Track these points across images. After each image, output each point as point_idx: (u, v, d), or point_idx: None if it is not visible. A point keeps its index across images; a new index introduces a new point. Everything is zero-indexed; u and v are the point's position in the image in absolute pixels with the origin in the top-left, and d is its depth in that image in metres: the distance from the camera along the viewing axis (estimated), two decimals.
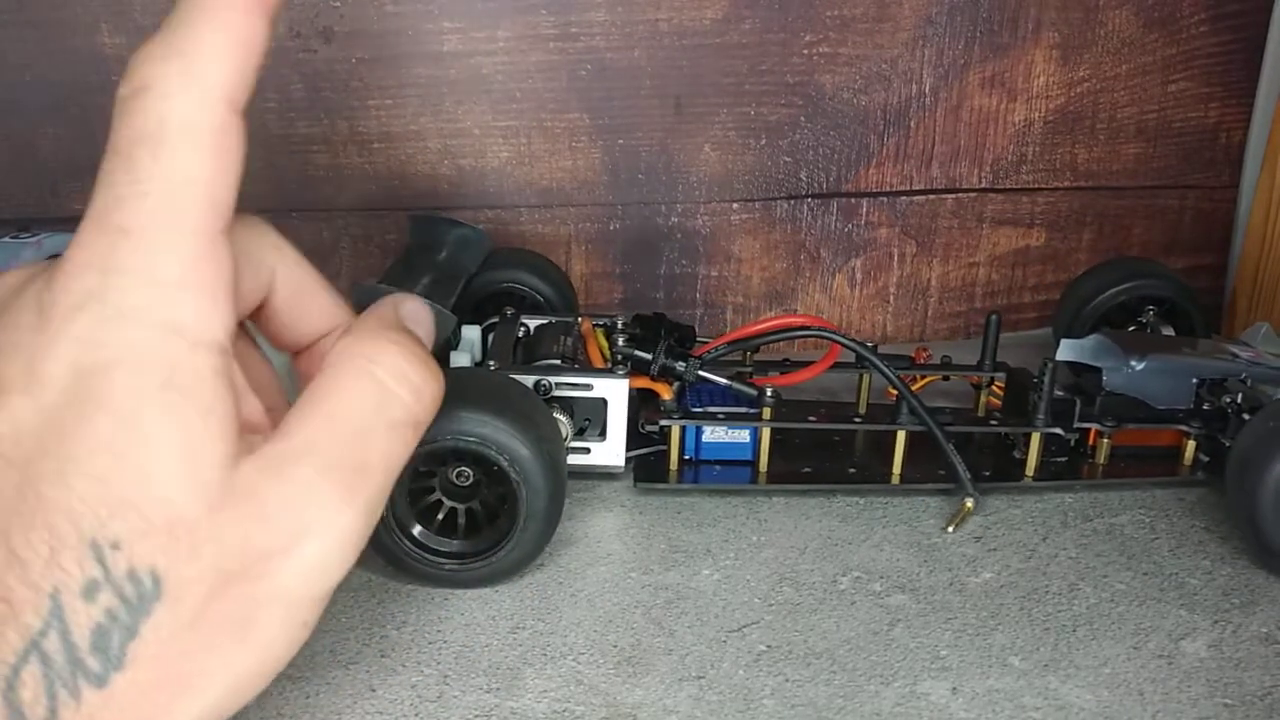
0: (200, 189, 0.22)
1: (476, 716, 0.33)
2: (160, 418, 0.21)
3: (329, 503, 0.23)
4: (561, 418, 0.43)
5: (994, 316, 0.50)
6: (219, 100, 0.22)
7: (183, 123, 0.22)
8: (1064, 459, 0.48)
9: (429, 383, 0.26)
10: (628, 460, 0.46)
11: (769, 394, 0.45)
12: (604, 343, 0.49)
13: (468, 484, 0.38)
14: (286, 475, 0.23)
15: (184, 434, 0.22)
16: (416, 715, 0.33)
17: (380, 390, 0.25)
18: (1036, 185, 0.65)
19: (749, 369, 0.51)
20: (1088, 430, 0.47)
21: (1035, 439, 0.46)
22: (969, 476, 0.44)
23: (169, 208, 0.22)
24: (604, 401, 0.44)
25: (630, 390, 0.45)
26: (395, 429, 0.25)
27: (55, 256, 0.59)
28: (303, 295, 0.28)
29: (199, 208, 0.22)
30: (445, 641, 0.36)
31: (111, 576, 0.21)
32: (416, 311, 0.28)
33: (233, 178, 0.23)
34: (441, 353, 0.47)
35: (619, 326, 0.49)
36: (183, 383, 0.22)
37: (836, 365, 0.49)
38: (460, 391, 0.36)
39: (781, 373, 0.51)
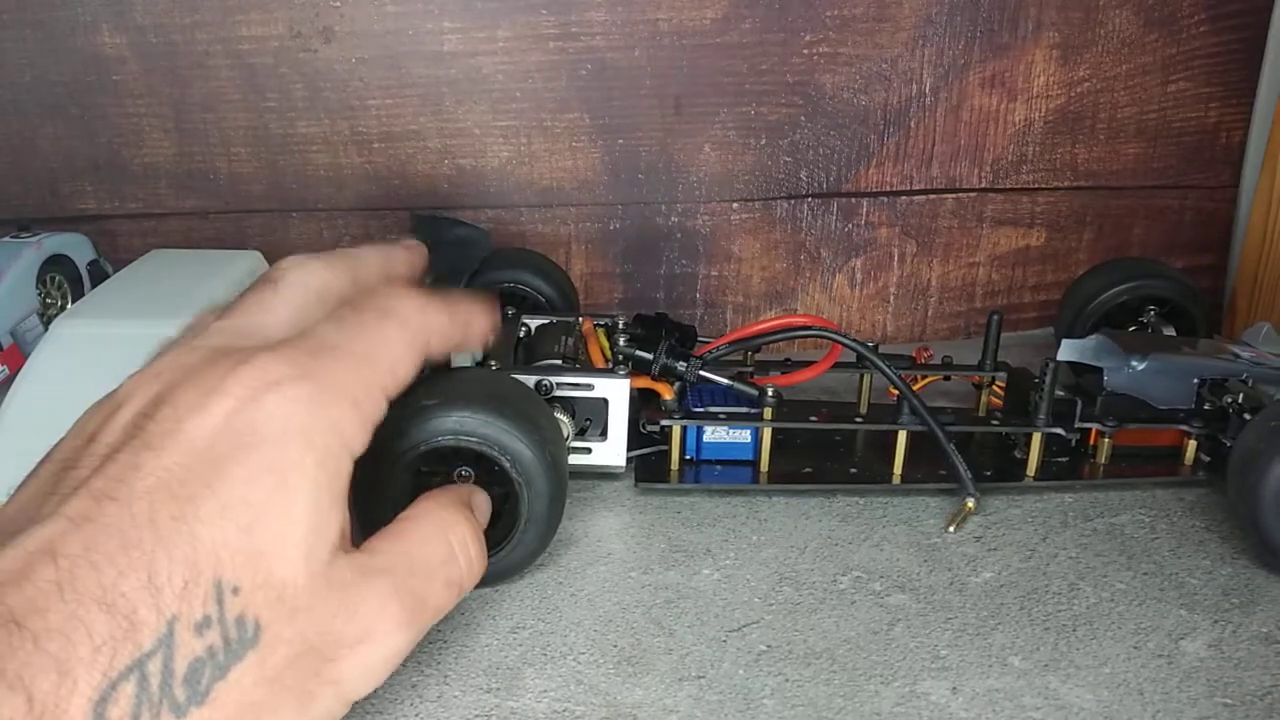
0: (398, 358, 0.30)
1: (476, 716, 0.33)
2: (308, 492, 0.26)
3: (394, 619, 0.27)
4: (563, 418, 0.43)
5: (995, 316, 0.50)
6: (439, 330, 0.32)
7: (415, 321, 0.31)
8: (1065, 459, 0.48)
9: (480, 560, 0.32)
10: (629, 460, 0.46)
11: (770, 394, 0.45)
12: (605, 343, 0.49)
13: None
14: (372, 583, 0.27)
15: (318, 513, 0.26)
16: (416, 715, 0.33)
17: (449, 552, 0.30)
18: (1037, 185, 0.65)
19: (750, 369, 0.51)
20: (1089, 430, 0.47)
21: (1036, 439, 0.46)
22: (970, 476, 0.44)
23: (375, 352, 0.29)
24: (605, 401, 0.44)
25: (631, 390, 0.45)
26: (449, 586, 0.30)
27: (57, 256, 0.59)
28: None
29: (388, 367, 0.29)
30: (445, 641, 0.36)
31: (224, 617, 0.24)
32: (483, 502, 0.35)
33: (413, 368, 0.30)
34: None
35: (620, 326, 0.49)
36: (331, 470, 0.26)
37: (837, 365, 0.49)
38: (462, 392, 0.36)
39: (782, 372, 0.51)
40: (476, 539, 0.31)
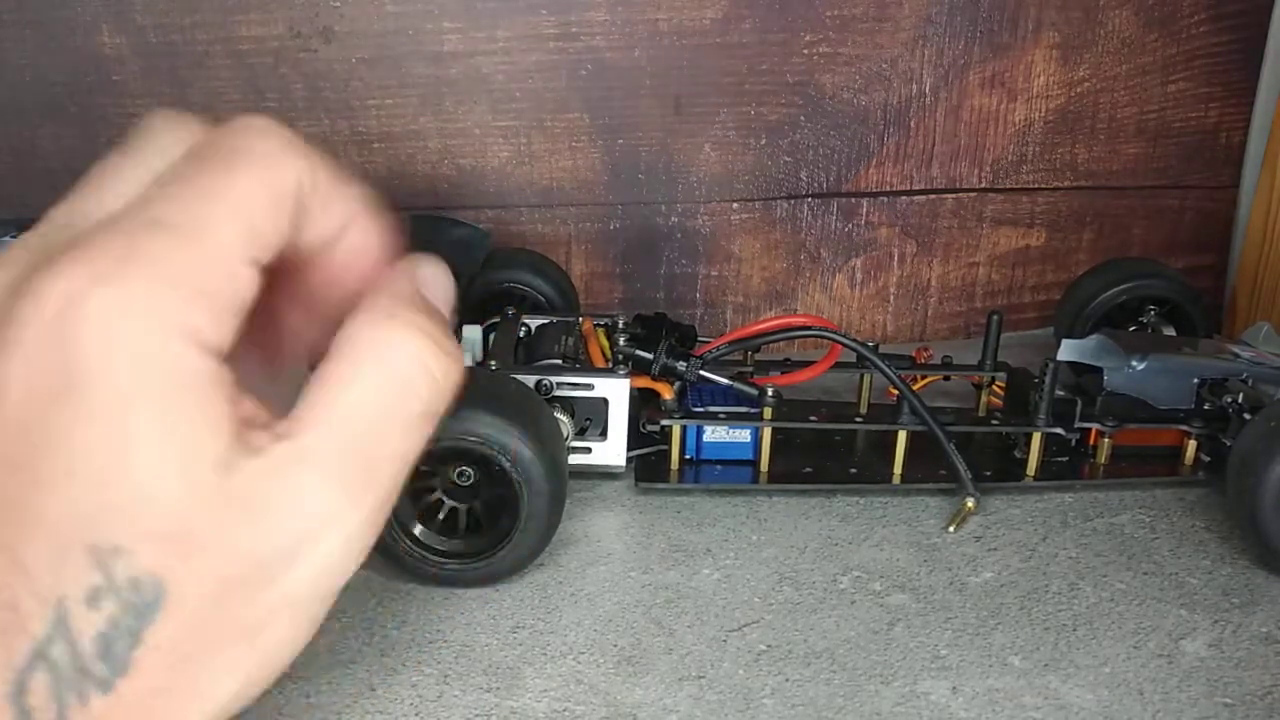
0: (254, 211, 0.22)
1: (476, 716, 0.33)
2: (157, 418, 0.21)
3: (337, 505, 0.22)
4: (563, 417, 0.43)
5: (995, 316, 0.50)
6: (309, 168, 0.23)
7: (272, 157, 0.23)
8: (1065, 459, 0.48)
9: (449, 371, 0.24)
10: (629, 460, 0.46)
11: (770, 394, 0.45)
12: (605, 342, 0.49)
13: (469, 484, 0.38)
14: (292, 479, 0.22)
15: (180, 435, 0.21)
16: (416, 715, 0.33)
17: (399, 384, 0.23)
18: (1036, 185, 0.65)
19: (750, 369, 0.51)
20: (1089, 430, 0.47)
21: (1036, 439, 0.46)
22: (970, 476, 0.44)
23: (215, 214, 0.22)
24: (605, 401, 0.44)
25: (631, 390, 0.45)
26: (411, 425, 0.23)
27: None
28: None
29: (238, 229, 0.22)
30: (445, 641, 0.36)
31: (114, 583, 0.21)
32: (435, 277, 0.26)
33: (280, 225, 0.23)
34: None
35: (620, 326, 0.49)
36: (184, 380, 0.21)
37: (837, 365, 0.49)
38: (461, 392, 0.36)
39: (782, 372, 0.51)
40: (436, 346, 0.24)
